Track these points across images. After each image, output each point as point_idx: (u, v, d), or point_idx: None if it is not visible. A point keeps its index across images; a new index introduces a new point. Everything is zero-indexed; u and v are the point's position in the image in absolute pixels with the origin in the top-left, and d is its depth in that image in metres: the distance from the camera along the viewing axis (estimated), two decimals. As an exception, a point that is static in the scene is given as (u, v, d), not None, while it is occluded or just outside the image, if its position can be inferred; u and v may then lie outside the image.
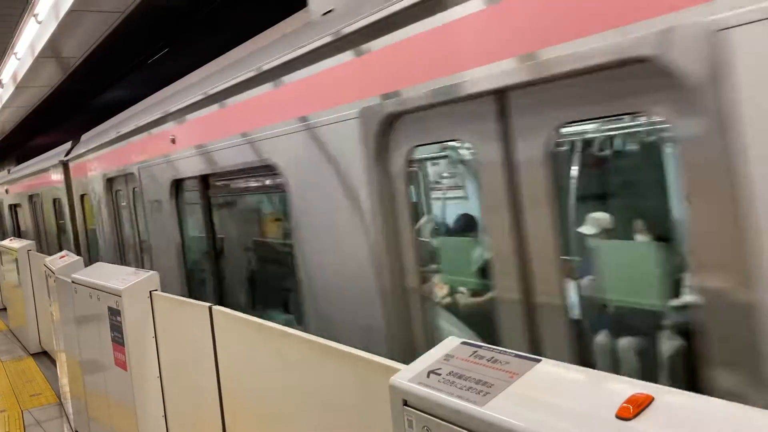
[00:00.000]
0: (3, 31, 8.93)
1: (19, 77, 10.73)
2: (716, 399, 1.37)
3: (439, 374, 1.70)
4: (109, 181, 7.44)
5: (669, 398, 1.36)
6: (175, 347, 3.86)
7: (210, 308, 3.29)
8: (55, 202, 10.50)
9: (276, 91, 3.78)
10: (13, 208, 14.80)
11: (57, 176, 9.99)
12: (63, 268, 5.44)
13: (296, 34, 3.69)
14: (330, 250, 3.42)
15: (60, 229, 10.65)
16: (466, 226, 3.14)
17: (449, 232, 3.34)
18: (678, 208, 2.21)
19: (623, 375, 1.56)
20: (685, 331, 2.19)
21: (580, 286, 2.51)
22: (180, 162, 5.23)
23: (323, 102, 3.32)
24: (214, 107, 4.57)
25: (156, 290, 4.04)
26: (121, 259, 7.42)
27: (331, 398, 2.37)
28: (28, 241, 9.55)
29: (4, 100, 12.88)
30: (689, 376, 2.16)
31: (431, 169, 3.33)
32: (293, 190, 3.69)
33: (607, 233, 2.53)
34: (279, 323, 2.78)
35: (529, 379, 1.56)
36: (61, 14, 7.31)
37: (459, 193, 3.26)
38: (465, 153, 2.98)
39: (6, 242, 10.42)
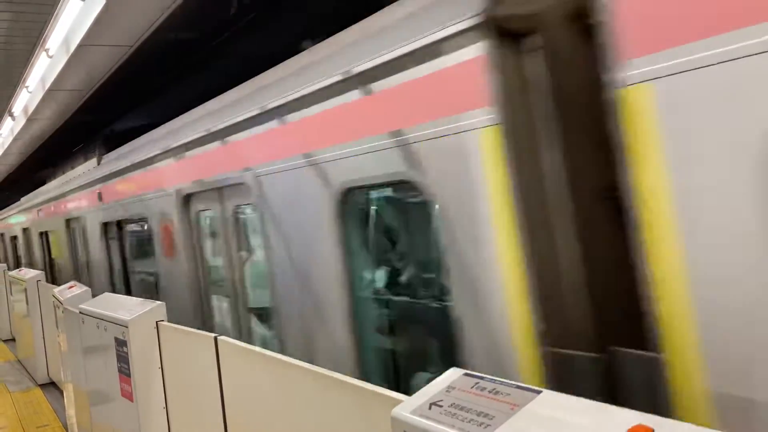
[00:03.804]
0: (15, 65, 9.12)
1: (30, 110, 10.90)
2: None
3: (441, 406, 1.71)
4: (67, 221, 11.24)
5: (670, 430, 1.36)
6: (181, 378, 3.87)
7: (215, 339, 3.30)
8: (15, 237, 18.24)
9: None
10: None
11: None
12: (71, 298, 5.47)
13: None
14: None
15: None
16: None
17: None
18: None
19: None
20: None
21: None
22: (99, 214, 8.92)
23: (159, 185, 6.31)
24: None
25: (162, 321, 4.06)
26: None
27: (334, 429, 2.37)
28: (37, 271, 9.62)
29: (15, 132, 13.07)
30: None
31: (206, 222, 5.69)
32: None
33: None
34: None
35: (529, 410, 1.56)
36: (72, 48, 7.46)
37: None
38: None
39: (14, 272, 10.49)
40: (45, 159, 16.21)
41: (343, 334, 3.52)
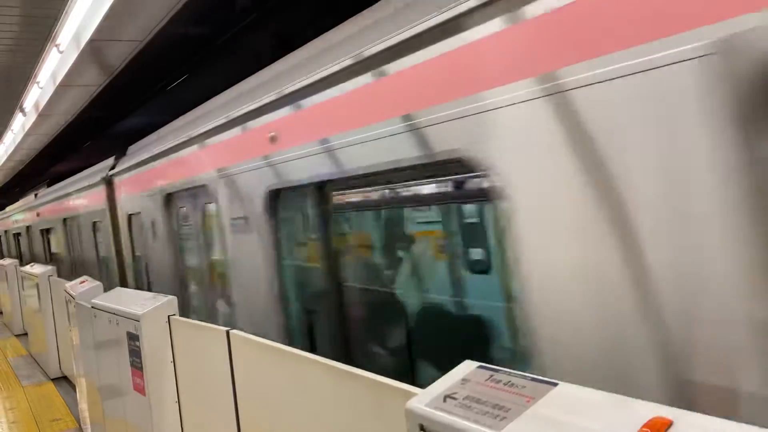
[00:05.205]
0: (26, 60, 9.15)
1: (42, 105, 10.95)
2: (739, 423, 1.34)
3: (456, 398, 1.69)
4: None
5: (689, 422, 1.34)
6: (193, 372, 3.88)
7: (227, 332, 3.30)
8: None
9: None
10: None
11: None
12: (83, 293, 5.50)
13: None
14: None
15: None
16: None
17: None
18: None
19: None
20: None
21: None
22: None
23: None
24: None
25: (174, 315, 4.07)
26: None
27: (348, 422, 2.36)
28: (49, 267, 9.68)
29: (27, 128, 13.13)
30: None
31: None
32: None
33: None
34: None
35: (545, 402, 1.55)
36: (82, 44, 7.47)
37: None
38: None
39: (27, 268, 10.56)
40: (56, 155, 16.29)
41: None
